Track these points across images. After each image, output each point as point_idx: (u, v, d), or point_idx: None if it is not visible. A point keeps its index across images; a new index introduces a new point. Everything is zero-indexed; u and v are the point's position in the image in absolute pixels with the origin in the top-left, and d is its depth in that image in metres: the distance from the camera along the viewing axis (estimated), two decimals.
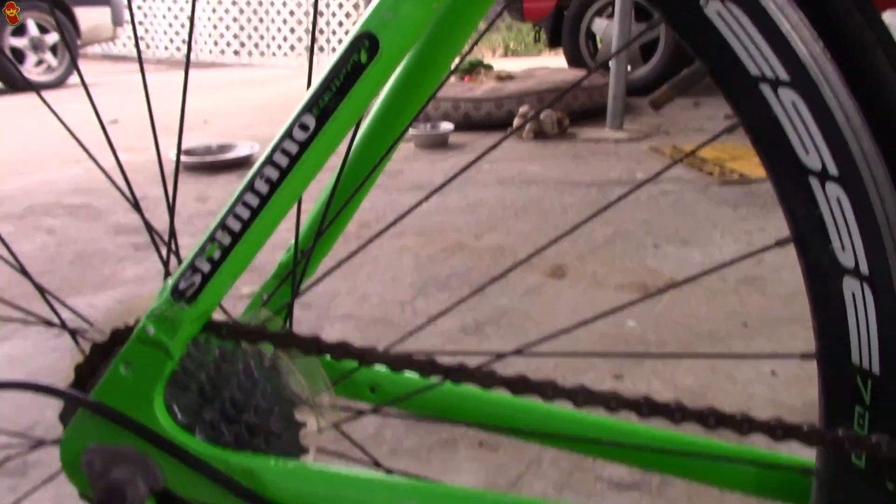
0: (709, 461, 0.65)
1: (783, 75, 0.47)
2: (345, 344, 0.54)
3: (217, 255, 0.49)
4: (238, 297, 1.63)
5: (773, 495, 0.64)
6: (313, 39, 0.61)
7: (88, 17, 6.55)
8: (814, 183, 0.49)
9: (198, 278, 0.49)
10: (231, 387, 0.55)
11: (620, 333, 1.63)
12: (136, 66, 9.01)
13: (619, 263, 2.03)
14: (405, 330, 1.68)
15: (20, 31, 6.09)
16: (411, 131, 3.61)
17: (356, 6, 9.12)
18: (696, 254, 2.11)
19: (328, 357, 0.69)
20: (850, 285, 0.51)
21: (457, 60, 0.66)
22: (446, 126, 3.77)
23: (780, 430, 0.51)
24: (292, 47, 9.56)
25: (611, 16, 4.79)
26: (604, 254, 2.10)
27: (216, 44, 9.87)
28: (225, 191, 2.94)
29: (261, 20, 9.63)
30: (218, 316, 0.56)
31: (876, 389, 0.52)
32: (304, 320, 1.75)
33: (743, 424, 0.51)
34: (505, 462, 1.26)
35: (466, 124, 4.01)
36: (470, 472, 1.23)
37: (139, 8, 10.01)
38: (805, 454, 0.62)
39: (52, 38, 6.20)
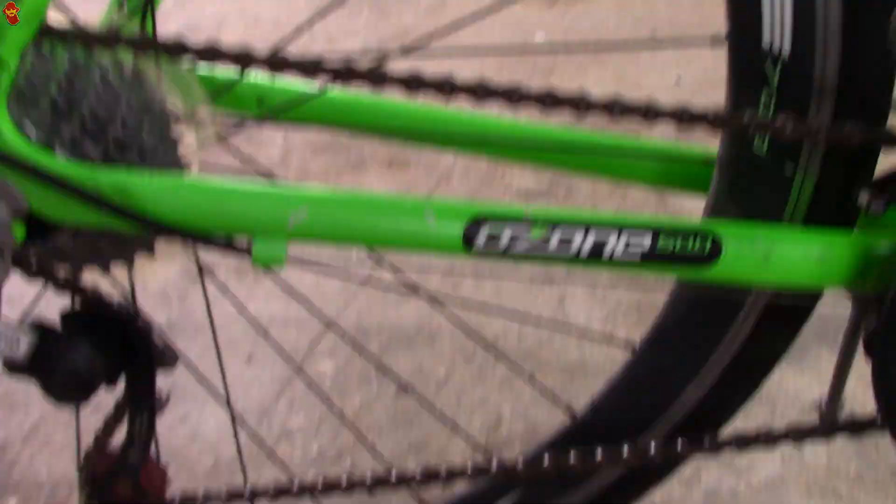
0: (612, 157, 0.63)
1: None
2: (214, 45, 0.47)
3: None
4: None
5: (674, 186, 0.64)
6: None
7: None
8: None
9: None
10: (89, 100, 0.49)
11: (529, 47, 1.57)
12: None
13: None
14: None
15: None
16: None
17: None
18: None
19: (205, 68, 0.63)
20: None
21: None
22: None
23: (685, 116, 0.48)
24: None
25: None
26: None
27: None
28: None
29: None
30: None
31: (784, 71, 0.51)
32: None
33: (648, 112, 0.49)
34: (415, 179, 1.25)
35: None
36: (380, 191, 1.22)
37: None
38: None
39: None
